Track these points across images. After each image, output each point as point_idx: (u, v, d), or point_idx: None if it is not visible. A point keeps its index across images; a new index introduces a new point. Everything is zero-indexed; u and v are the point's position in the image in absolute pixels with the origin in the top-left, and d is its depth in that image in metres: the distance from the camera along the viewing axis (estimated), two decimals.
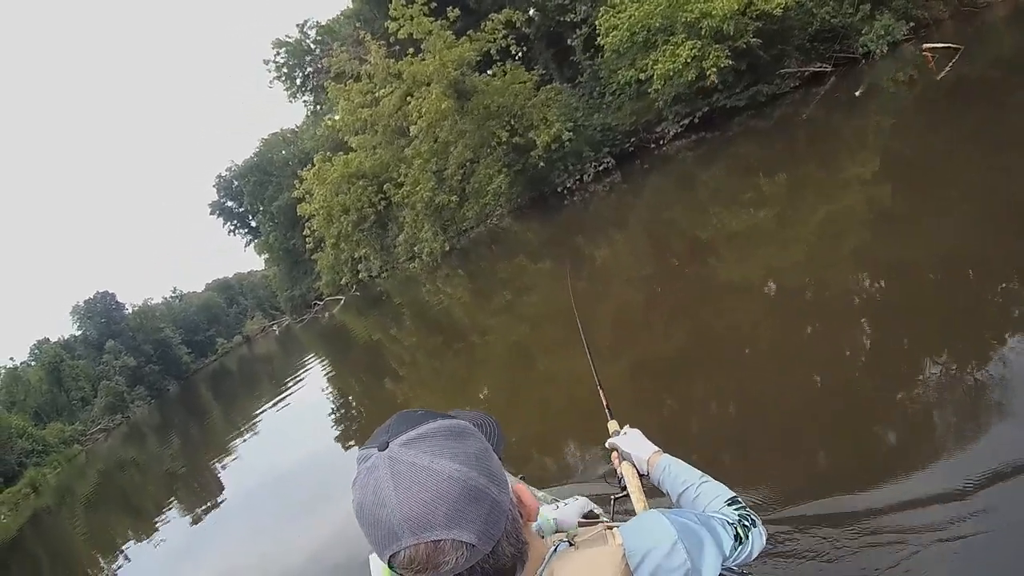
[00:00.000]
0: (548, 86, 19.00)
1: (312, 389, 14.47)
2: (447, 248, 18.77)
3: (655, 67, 14.98)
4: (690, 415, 4.28)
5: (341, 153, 20.31)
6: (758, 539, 1.07)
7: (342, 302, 29.34)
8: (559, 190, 17.97)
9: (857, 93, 11.34)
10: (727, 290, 5.97)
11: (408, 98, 17.55)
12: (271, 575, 5.38)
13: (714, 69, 14.05)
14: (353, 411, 10.55)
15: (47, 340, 57.79)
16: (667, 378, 4.94)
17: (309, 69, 35.88)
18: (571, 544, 0.83)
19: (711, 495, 1.18)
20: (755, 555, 1.06)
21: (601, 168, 17.72)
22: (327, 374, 16.05)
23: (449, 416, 0.76)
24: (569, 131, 17.05)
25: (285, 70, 35.43)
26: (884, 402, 3.28)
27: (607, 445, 1.53)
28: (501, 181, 17.19)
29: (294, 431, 11.38)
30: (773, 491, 2.84)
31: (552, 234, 15.06)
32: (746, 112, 14.91)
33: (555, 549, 0.80)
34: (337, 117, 18.18)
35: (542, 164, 17.12)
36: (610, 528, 0.93)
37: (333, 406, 11.58)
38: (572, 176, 17.88)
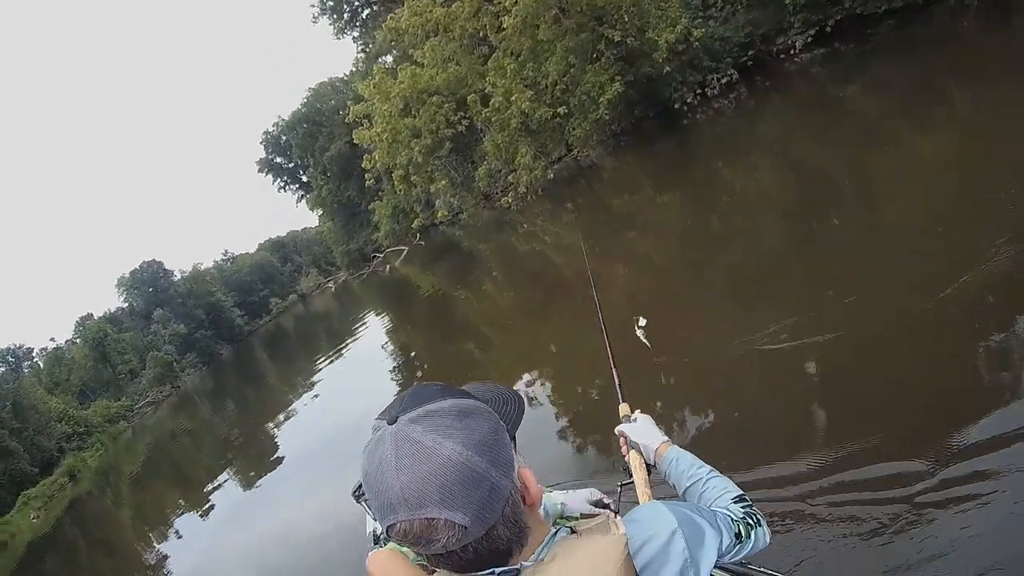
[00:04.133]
0: None
1: (370, 347, 13.85)
2: (550, 176, 15.40)
3: None
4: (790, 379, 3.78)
5: (408, 64, 16.90)
6: (761, 538, 1.05)
7: (404, 253, 27.13)
8: (676, 106, 15.09)
9: None
10: (862, 239, 4.97)
11: None
12: (327, 532, 5.42)
13: None
14: (415, 365, 10.13)
15: (91, 316, 57.11)
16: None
17: (356, 2, 32.75)
18: (573, 531, 0.81)
19: (718, 491, 1.14)
20: (756, 552, 1.04)
21: (724, 81, 14.87)
22: (386, 329, 15.41)
23: (463, 394, 0.75)
24: (698, 29, 13.76)
25: (331, 3, 32.18)
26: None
27: (616, 432, 1.46)
28: (615, 90, 13.67)
29: (353, 389, 11.03)
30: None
31: (671, 162, 12.85)
32: (887, 21, 12.16)
33: (555, 533, 0.79)
34: (403, 18, 14.65)
35: (667, 69, 13.76)
36: (612, 517, 0.87)
37: (393, 362, 11.07)
38: (691, 90, 14.88)
